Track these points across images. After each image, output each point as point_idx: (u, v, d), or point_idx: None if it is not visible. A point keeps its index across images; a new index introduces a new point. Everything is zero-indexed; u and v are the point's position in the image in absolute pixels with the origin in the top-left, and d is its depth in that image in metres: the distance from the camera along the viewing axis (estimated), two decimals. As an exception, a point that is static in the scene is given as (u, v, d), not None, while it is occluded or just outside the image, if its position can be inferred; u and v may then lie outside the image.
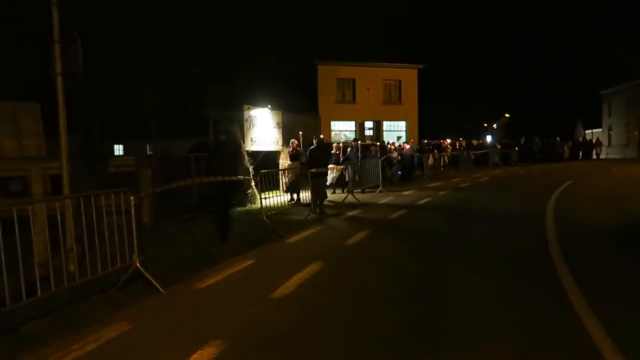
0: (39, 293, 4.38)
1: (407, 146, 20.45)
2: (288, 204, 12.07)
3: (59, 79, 5.63)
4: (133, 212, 5.38)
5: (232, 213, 8.23)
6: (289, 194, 13.08)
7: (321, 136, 13.22)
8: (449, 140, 27.42)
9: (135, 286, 5.31)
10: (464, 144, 28.26)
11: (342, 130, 32.24)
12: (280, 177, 12.73)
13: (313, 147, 12.02)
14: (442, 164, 23.98)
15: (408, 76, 33.43)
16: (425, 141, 22.73)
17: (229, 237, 7.78)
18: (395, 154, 18.42)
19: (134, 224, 5.39)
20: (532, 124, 43.84)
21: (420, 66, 33.49)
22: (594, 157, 34.25)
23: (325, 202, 11.65)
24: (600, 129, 45.81)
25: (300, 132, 14.68)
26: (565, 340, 3.85)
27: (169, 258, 6.65)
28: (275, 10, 39.36)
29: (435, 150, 23.45)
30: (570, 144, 32.99)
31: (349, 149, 17.32)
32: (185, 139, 19.44)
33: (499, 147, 29.33)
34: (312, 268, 6.06)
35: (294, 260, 6.56)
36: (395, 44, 34.14)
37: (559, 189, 14.55)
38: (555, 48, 64.28)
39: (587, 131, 44.04)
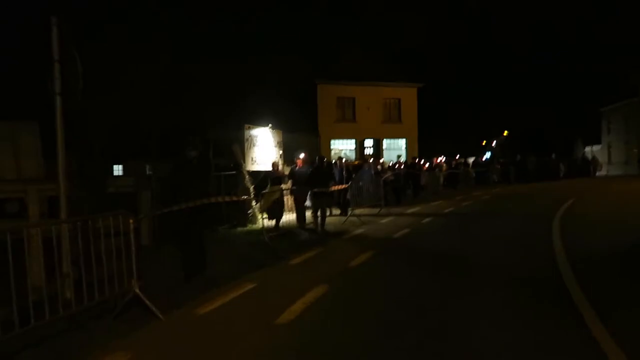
0: (32, 321, 4.19)
1: (402, 166, 20.28)
2: (266, 229, 10.41)
3: (58, 98, 5.52)
4: (132, 236, 5.21)
5: (202, 244, 7.07)
6: (269, 220, 11.25)
7: (302, 155, 12.80)
8: (444, 159, 27.07)
9: (133, 312, 5.11)
10: (462, 161, 27.95)
11: (342, 149, 32.18)
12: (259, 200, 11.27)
13: (313, 167, 11.92)
14: (440, 182, 23.50)
15: (408, 95, 33.53)
16: (417, 160, 22.33)
17: (194, 275, 6.65)
18: (388, 174, 18.12)
19: (133, 248, 5.21)
20: (531, 140, 43.95)
21: (420, 85, 33.62)
22: (595, 174, 34.16)
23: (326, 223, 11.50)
24: (599, 146, 45.85)
25: (280, 152, 14.10)
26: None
27: (168, 281, 6.47)
28: (275, 30, 39.79)
29: (437, 170, 23.26)
30: (566, 162, 32.88)
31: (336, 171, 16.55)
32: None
33: (499, 166, 29.19)
34: (316, 292, 5.86)
35: (297, 283, 6.35)
36: (394, 63, 34.19)
37: (563, 206, 14.43)
38: (556, 64, 64.96)
39: (587, 148, 44.10)
